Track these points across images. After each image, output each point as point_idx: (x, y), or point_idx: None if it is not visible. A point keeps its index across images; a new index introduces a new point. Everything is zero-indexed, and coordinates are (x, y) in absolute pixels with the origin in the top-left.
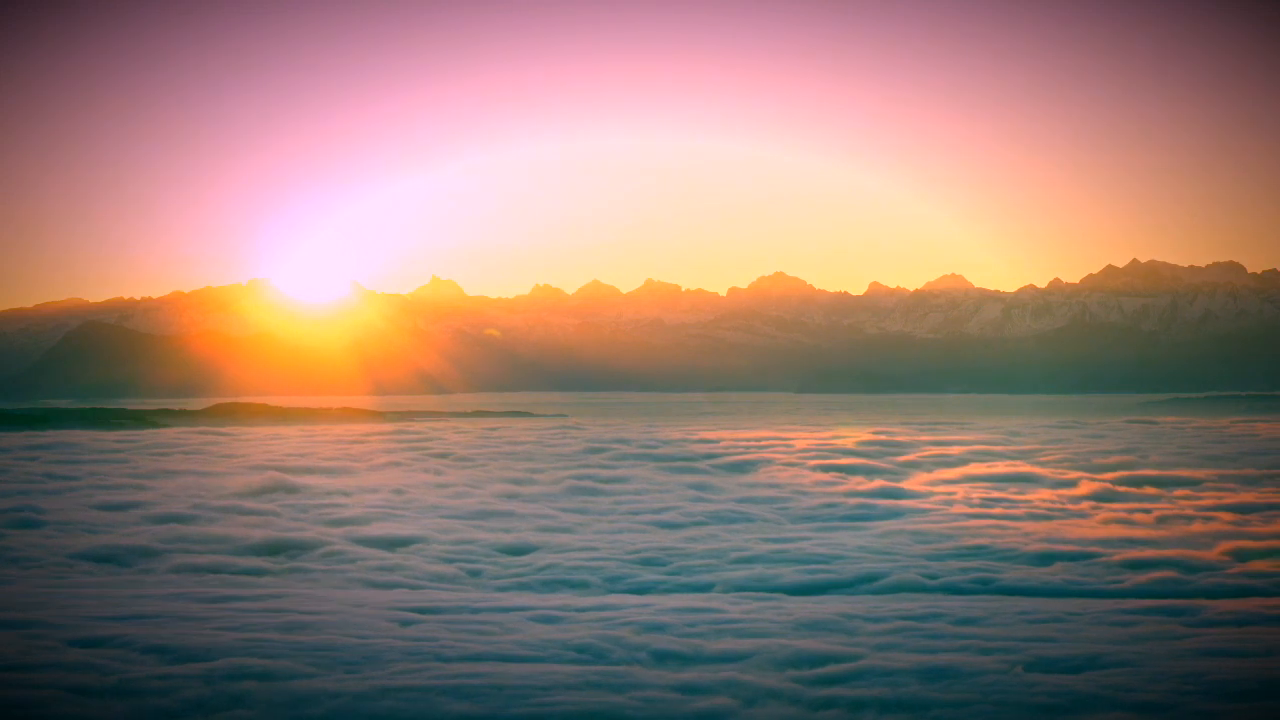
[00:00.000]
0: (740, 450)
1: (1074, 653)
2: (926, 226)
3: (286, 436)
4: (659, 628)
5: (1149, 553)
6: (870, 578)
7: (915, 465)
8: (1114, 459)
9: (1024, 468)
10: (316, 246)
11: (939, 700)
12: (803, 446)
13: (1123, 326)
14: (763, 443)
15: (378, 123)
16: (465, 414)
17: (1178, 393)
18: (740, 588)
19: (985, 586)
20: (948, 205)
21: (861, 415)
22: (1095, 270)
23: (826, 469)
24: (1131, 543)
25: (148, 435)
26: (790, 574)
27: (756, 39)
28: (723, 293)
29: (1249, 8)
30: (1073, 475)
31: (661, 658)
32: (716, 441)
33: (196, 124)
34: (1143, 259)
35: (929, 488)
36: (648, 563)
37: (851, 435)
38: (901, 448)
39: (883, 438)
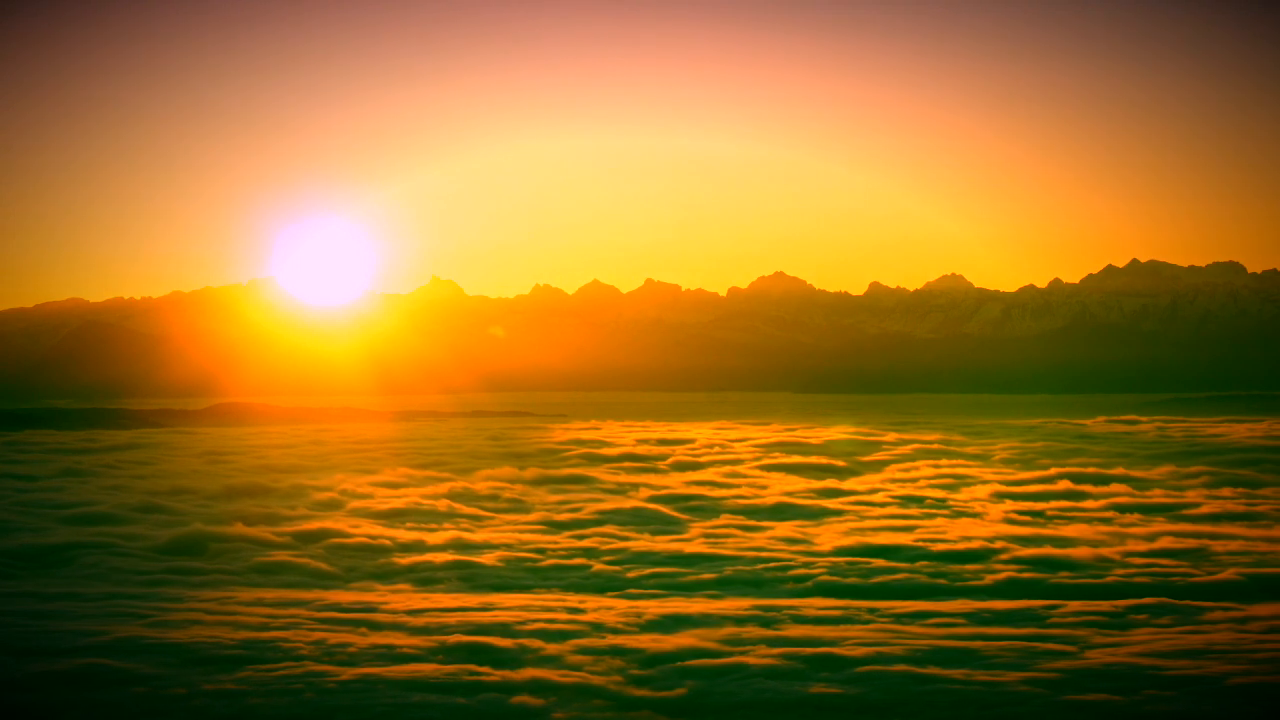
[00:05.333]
0: (696, 449)
1: (895, 652)
2: (926, 226)
3: (256, 436)
4: (499, 628)
5: (1028, 551)
6: (735, 580)
7: (862, 465)
8: (1051, 459)
9: (959, 467)
10: (316, 246)
11: (719, 704)
12: (759, 445)
13: (1123, 326)
14: (723, 442)
15: (378, 122)
16: (464, 414)
17: (1178, 393)
18: (602, 588)
19: (844, 588)
20: (948, 205)
21: (853, 415)
22: (1095, 270)
23: (766, 468)
24: (1019, 541)
25: (108, 436)
26: (656, 575)
27: (756, 38)
28: (723, 293)
29: (1249, 7)
30: (1001, 474)
31: (497, 658)
32: (679, 441)
33: (196, 124)
34: (1143, 259)
35: (853, 486)
36: (517, 563)
37: (820, 434)
38: (863, 447)
39: (844, 436)
